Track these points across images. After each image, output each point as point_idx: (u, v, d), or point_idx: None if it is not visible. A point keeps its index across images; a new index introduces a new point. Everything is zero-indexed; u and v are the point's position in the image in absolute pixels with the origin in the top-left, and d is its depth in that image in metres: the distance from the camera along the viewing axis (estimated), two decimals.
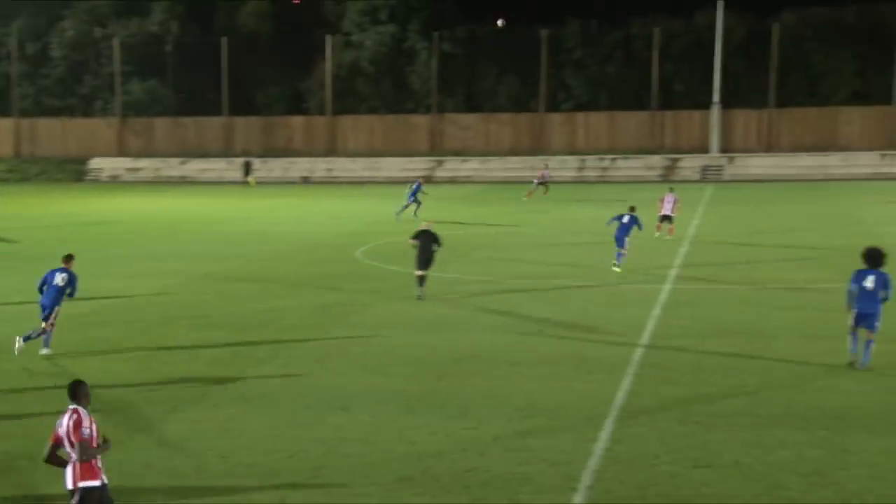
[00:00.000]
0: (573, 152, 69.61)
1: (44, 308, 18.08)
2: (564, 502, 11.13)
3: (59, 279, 18.18)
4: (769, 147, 67.28)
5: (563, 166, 67.63)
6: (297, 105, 78.29)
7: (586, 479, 11.76)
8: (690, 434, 13.23)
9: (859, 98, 68.48)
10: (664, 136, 69.36)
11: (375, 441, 13.17)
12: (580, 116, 71.16)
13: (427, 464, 12.36)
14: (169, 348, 18.80)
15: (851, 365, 16.54)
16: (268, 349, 18.57)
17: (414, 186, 44.36)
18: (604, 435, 13.28)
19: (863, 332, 16.47)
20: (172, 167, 73.58)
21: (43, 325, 18.06)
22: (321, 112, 75.67)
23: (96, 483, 9.32)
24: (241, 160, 71.07)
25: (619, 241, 27.67)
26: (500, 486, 11.59)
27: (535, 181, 54.24)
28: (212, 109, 75.86)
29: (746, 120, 68.10)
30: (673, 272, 26.82)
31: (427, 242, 23.85)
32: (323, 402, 14.84)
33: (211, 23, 78.81)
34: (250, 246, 34.23)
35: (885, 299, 16.35)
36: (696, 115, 68.33)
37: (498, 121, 72.64)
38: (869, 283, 16.40)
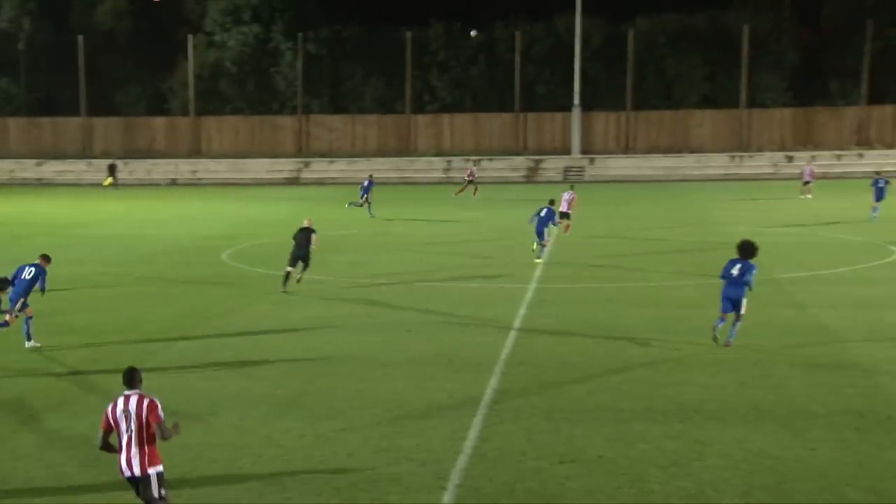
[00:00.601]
0: (439, 154, 70.09)
1: (11, 301, 18.33)
2: (434, 501, 11.20)
3: (27, 273, 18.66)
4: (627, 149, 69.20)
5: (429, 167, 68.05)
6: (159, 105, 76.46)
7: (455, 477, 11.86)
8: (556, 430, 13.49)
9: (710, 102, 71.10)
10: (527, 137, 70.54)
11: (243, 445, 12.99)
12: (446, 118, 71.70)
13: (296, 466, 12.26)
14: (26, 355, 18.11)
15: (715, 340, 17.92)
16: (131, 355, 18.08)
17: (365, 183, 44.42)
18: (472, 433, 13.42)
19: (731, 315, 17.91)
20: (27, 169, 70.89)
21: (7, 317, 18.38)
22: (184, 113, 74.10)
23: (161, 468, 9.64)
24: (102, 161, 68.93)
25: (540, 235, 29.23)
26: (369, 487, 11.59)
27: (465, 179, 54.21)
28: (69, 109, 73.38)
29: (605, 122, 69.86)
30: (537, 272, 27.29)
31: (303, 240, 24.36)
32: (189, 408, 14.54)
33: (66, 20, 76.18)
34: (112, 250, 33.27)
35: (746, 284, 17.80)
36: (558, 117, 69.72)
37: (364, 122, 72.53)
38: (735, 270, 17.97)
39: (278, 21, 74.18)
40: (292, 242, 24.78)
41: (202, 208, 49.94)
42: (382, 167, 68.42)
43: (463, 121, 71.39)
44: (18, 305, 18.37)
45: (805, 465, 12.04)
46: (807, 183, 50.06)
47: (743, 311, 17.86)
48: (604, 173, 65.17)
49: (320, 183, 67.04)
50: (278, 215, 45.12)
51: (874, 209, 39.11)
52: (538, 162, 67.50)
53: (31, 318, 18.62)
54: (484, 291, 24.41)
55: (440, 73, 72.98)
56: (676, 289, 24.27)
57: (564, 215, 35.34)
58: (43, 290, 18.90)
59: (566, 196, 36.09)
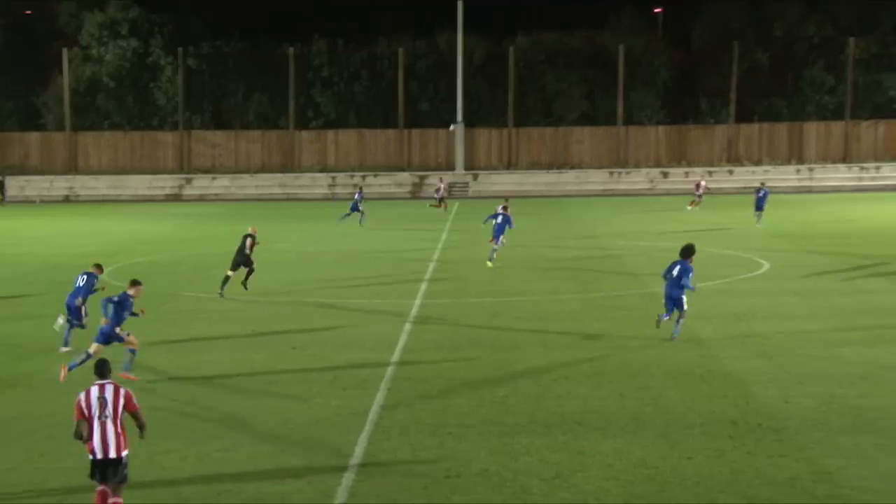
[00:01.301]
0: (324, 170, 69.75)
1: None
2: None
3: (80, 281, 20.26)
4: (510, 165, 70.10)
5: (314, 183, 67.64)
6: (32, 120, 74.06)
7: (341, 495, 11.80)
8: (441, 445, 13.55)
9: (589, 119, 72.65)
10: (412, 153, 70.79)
11: None
12: (330, 134, 71.41)
13: (179, 489, 12.01)
14: None
15: (657, 324, 19.79)
16: (8, 376, 17.44)
17: (356, 196, 45.95)
18: (358, 450, 13.38)
19: (674, 313, 19.82)
20: None
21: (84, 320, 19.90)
22: (59, 128, 71.96)
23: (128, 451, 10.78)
24: None
25: (496, 238, 31.38)
26: None
27: (437, 195, 53.65)
28: None
29: (488, 139, 70.66)
30: (422, 287, 27.38)
31: (242, 245, 26.07)
32: (66, 431, 14.09)
33: None
34: None
35: (684, 286, 19.61)
36: (442, 133, 70.20)
37: (248, 138, 71.68)
38: (675, 271, 19.90)
39: (157, 35, 72.76)
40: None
41: (80, 226, 48.54)
42: (266, 183, 67.72)
43: (347, 137, 71.25)
44: (84, 309, 19.85)
45: (682, 474, 12.37)
46: (699, 196, 52.13)
47: (685, 308, 19.78)
48: (487, 189, 65.87)
49: (203, 199, 65.90)
50: (160, 232, 44.20)
51: (757, 218, 42.86)
52: (423, 178, 67.82)
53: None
54: (370, 307, 24.36)
55: (324, 88, 72.70)
56: (559, 302, 24.67)
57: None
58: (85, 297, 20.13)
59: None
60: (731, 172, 66.86)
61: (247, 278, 26.12)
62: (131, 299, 17.68)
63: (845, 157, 68.61)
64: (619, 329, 21.15)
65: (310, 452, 13.26)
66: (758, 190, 44.34)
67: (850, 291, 25.73)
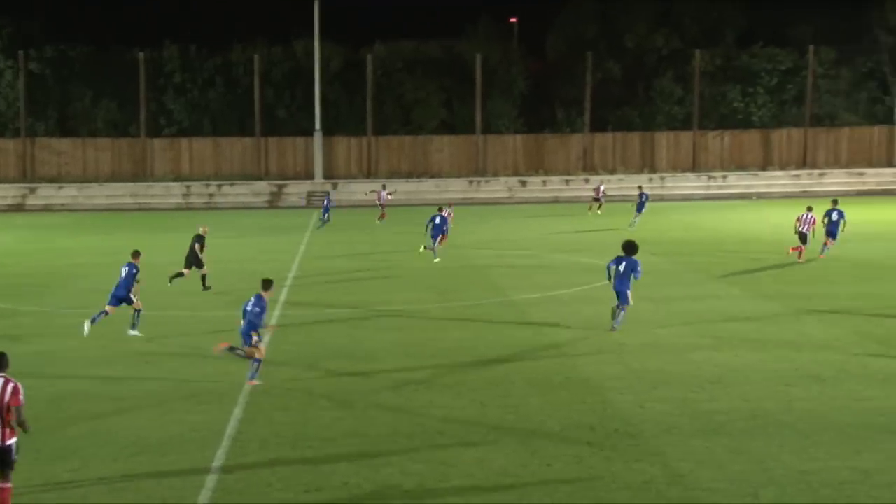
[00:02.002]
0: (178, 178, 68.20)
1: (115, 299, 21.89)
2: None
3: (123, 272, 22.13)
4: (369, 173, 70.07)
5: (167, 193, 66.07)
6: None
7: None
8: (302, 459, 13.41)
9: (448, 128, 73.34)
10: (269, 162, 69.95)
11: None
12: (184, 142, 69.88)
13: None
14: None
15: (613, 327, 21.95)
16: None
17: (325, 202, 48.81)
18: (216, 465, 13.11)
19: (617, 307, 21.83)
20: None
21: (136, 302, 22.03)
22: None
23: (16, 438, 11.41)
24: None
25: (434, 238, 35.12)
26: None
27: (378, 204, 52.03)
28: None
29: (347, 147, 70.46)
30: (281, 297, 27.07)
31: (193, 244, 28.15)
32: None
33: None
34: None
35: (632, 278, 21.89)
36: (300, 141, 69.62)
37: (96, 146, 69.45)
38: (621, 267, 22.00)
39: None
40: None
41: None
42: (117, 192, 65.78)
43: (202, 145, 69.88)
44: (136, 297, 21.99)
45: (543, 482, 12.59)
46: (597, 199, 53.72)
47: (630, 302, 21.94)
48: (347, 198, 65.60)
49: (48, 209, 63.51)
50: (1, 244, 42.37)
51: (635, 219, 46.03)
52: (281, 187, 67.09)
53: (139, 310, 21.98)
54: (226, 319, 23.91)
55: (176, 95, 71.10)
56: (419, 312, 24.77)
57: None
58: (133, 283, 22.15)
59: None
60: (586, 181, 68.48)
61: (203, 281, 28.23)
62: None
63: (694, 166, 71.29)
64: (480, 338, 21.40)
65: (163, 471, 12.92)
66: (640, 194, 47.15)
67: (700, 297, 26.72)
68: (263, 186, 67.12)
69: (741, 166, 70.88)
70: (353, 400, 16.38)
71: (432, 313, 24.54)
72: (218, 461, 13.29)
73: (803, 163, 71.18)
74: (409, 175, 69.85)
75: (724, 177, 68.92)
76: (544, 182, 68.34)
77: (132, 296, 21.74)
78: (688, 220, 50.26)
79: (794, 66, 73.26)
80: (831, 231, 33.86)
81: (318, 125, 67.85)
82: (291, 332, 22.17)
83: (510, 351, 20.09)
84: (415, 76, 72.47)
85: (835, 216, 33.96)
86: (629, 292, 21.93)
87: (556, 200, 65.96)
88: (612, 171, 70.34)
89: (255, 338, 17.36)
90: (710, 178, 68.98)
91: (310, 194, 66.41)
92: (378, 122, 70.85)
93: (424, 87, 72.59)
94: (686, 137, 71.95)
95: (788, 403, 15.89)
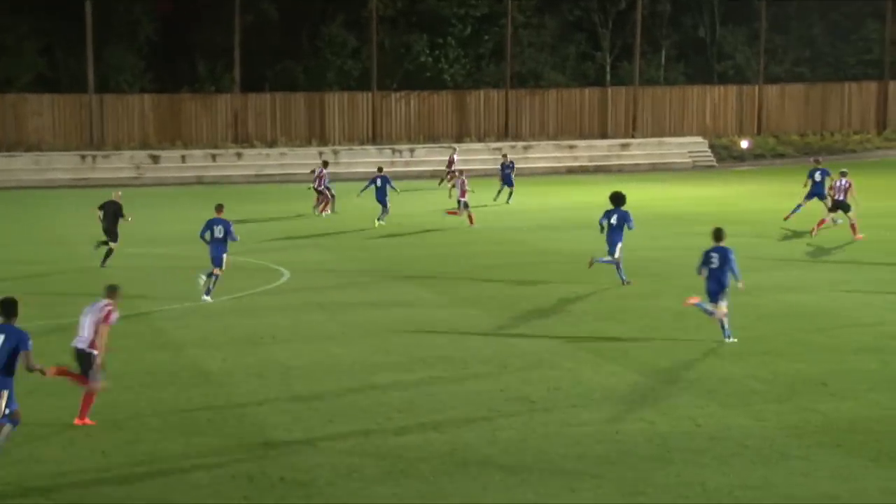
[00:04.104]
0: None
1: (214, 259, 27.29)
2: None
3: (217, 231, 27.28)
4: None
5: None
6: None
7: None
8: None
9: (48, 84, 70.48)
10: None
11: None
12: None
13: None
14: None
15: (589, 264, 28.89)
16: None
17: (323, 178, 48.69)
18: None
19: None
20: None
21: (215, 270, 27.26)
22: None
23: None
24: None
25: (383, 203, 43.18)
26: None
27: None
28: None
29: None
30: None
31: (110, 213, 33.17)
32: None
33: None
34: None
35: (629, 228, 28.40)
36: None
37: None
38: (613, 219, 28.35)
39: None
40: (97, 213, 33.73)
41: None
42: None
43: None
44: (223, 261, 27.44)
45: None
46: (451, 172, 54.69)
47: (618, 254, 28.39)
48: None
49: None
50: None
51: (508, 195, 50.45)
52: None
53: (217, 276, 27.23)
54: None
55: None
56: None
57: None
58: (235, 239, 27.97)
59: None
60: (239, 156, 68.28)
61: (108, 252, 32.89)
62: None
63: (374, 137, 72.81)
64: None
65: None
66: (505, 165, 51.59)
67: (384, 303, 27.43)
68: None
69: (432, 137, 73.20)
70: None
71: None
72: None
73: (505, 133, 74.71)
74: None
75: (412, 150, 70.96)
76: (183, 157, 67.55)
77: (226, 256, 27.53)
78: (368, 205, 51.41)
79: (491, 13, 76.43)
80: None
81: None
82: None
83: (144, 380, 19.77)
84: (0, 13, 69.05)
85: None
86: (620, 244, 28.38)
87: (199, 181, 65.19)
88: (273, 144, 70.50)
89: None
90: (394, 151, 70.67)
91: None
92: None
93: (13, 30, 69.24)
94: (363, 100, 73.47)
95: (493, 434, 16.67)
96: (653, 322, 24.80)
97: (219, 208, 28.11)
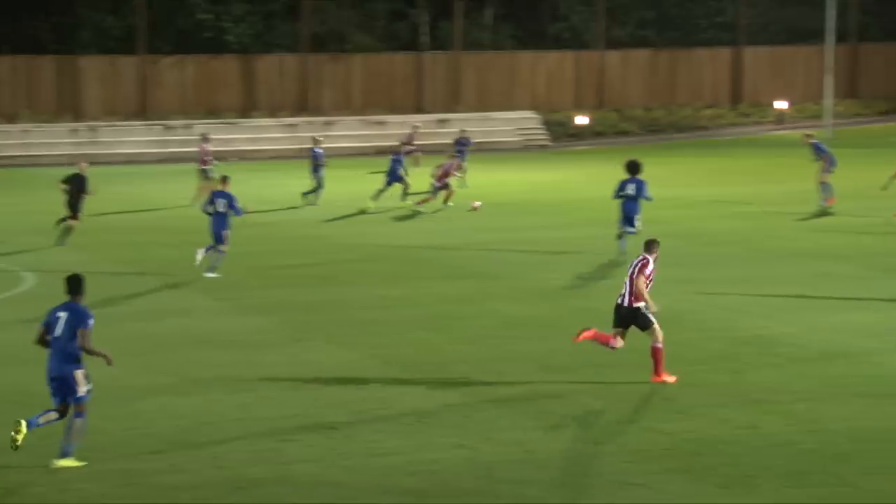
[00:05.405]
0: None
1: (215, 236, 31.10)
2: None
3: (221, 205, 31.08)
4: None
5: None
6: None
7: None
8: None
9: None
10: None
11: None
12: None
13: None
14: None
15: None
16: None
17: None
18: None
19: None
20: None
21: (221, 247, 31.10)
22: None
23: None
24: None
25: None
26: None
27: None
28: None
29: None
30: None
31: (75, 188, 36.45)
32: None
33: None
34: None
35: (647, 198, 32.24)
36: None
37: None
38: (630, 189, 31.95)
39: None
40: (62, 187, 36.88)
41: None
42: None
43: None
44: (225, 237, 30.90)
45: None
46: (410, 153, 53.82)
47: (638, 224, 31.68)
48: None
49: None
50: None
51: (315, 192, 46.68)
52: None
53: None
54: None
55: None
56: None
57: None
58: (238, 214, 31.58)
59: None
60: None
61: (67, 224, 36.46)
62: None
63: (143, 110, 71.55)
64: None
65: None
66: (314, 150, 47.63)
67: (151, 314, 27.08)
68: None
69: (213, 111, 72.20)
70: None
71: None
72: None
73: (302, 106, 74.29)
74: None
75: (188, 127, 69.76)
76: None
77: (228, 233, 31.17)
78: (136, 195, 50.63)
79: None
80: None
81: None
82: None
83: None
84: None
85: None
86: (638, 216, 31.76)
87: None
88: (12, 119, 68.65)
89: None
90: (166, 128, 69.56)
91: None
92: None
93: None
94: (128, 66, 72.31)
95: (284, 468, 16.62)
96: (480, 331, 25.10)
97: None
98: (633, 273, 20.75)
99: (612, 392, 20.18)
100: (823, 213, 41.19)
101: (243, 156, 67.01)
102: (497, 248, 35.30)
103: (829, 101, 72.87)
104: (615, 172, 34.07)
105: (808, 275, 30.68)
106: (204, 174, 47.20)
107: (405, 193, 45.00)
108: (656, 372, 20.50)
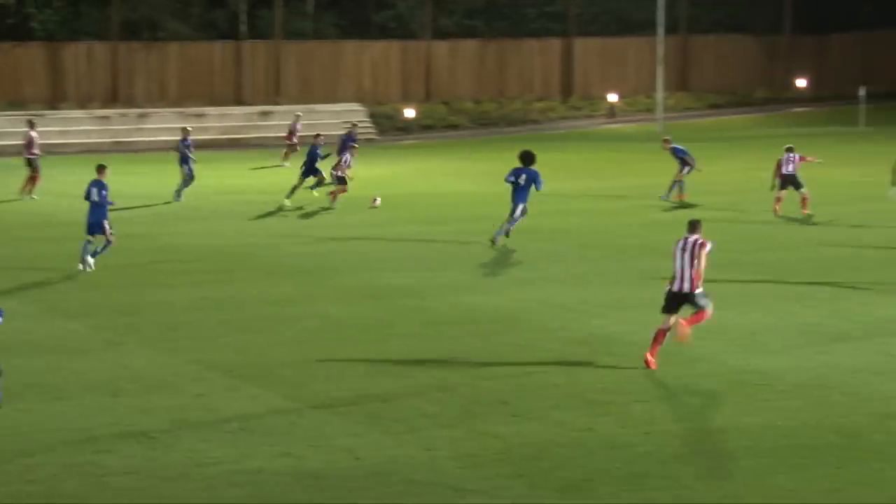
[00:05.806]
0: None
1: (91, 226, 31.18)
2: None
3: (95, 195, 31.22)
4: None
5: None
6: None
7: None
8: None
9: None
10: None
11: None
12: None
13: None
14: None
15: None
16: None
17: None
18: None
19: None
20: None
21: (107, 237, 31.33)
22: None
23: None
24: None
25: (312, 174, 45.22)
26: None
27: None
28: None
29: None
30: None
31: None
32: None
33: None
34: None
35: (537, 189, 34.04)
36: None
37: None
38: (521, 179, 33.75)
39: None
40: None
41: None
42: None
43: None
44: (106, 227, 30.93)
45: None
46: (292, 144, 56.00)
47: (518, 214, 33.79)
48: None
49: None
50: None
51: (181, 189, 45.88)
52: None
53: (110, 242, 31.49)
54: None
55: None
56: None
57: None
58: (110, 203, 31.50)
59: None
60: None
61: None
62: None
63: None
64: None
65: None
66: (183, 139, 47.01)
67: None
68: None
69: (16, 102, 70.80)
70: None
71: None
72: None
73: (114, 97, 73.32)
74: None
75: None
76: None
77: (106, 223, 30.78)
78: None
79: None
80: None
81: None
82: None
83: None
84: None
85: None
86: (523, 206, 33.54)
87: None
88: None
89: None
90: None
91: None
92: None
93: None
94: None
95: (99, 480, 16.41)
96: (304, 333, 25.06)
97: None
98: (692, 255, 21.48)
99: (445, 395, 20.28)
100: (682, 206, 41.51)
101: (51, 149, 65.47)
102: (322, 247, 35.26)
103: (660, 94, 74.12)
104: (444, 167, 34.56)
105: (639, 272, 31.07)
106: (30, 163, 46.40)
107: (318, 184, 45.78)
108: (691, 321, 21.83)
